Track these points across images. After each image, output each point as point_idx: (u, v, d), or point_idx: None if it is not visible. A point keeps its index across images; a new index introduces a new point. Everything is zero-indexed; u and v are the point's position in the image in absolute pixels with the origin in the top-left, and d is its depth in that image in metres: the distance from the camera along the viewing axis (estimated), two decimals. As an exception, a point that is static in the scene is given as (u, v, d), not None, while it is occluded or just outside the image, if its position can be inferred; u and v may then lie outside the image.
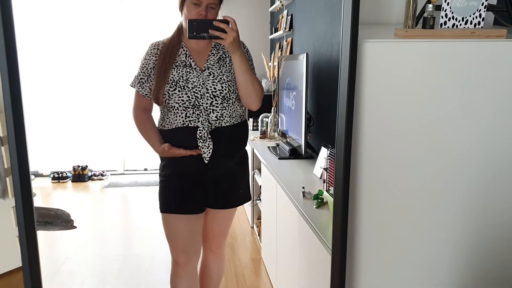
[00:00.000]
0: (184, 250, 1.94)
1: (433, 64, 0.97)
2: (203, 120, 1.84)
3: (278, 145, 3.37)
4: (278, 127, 3.81)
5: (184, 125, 1.85)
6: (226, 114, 1.88)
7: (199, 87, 1.83)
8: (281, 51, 4.34)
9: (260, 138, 3.81)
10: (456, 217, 1.16)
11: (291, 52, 3.96)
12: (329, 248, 1.55)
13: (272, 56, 4.08)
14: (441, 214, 1.15)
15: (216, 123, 1.86)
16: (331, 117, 2.84)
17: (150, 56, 1.90)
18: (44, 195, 4.98)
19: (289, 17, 3.96)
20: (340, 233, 1.00)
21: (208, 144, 1.86)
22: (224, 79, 1.86)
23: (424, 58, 0.97)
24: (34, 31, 5.40)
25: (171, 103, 1.85)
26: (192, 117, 1.84)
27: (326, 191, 1.76)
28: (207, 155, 1.87)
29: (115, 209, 4.57)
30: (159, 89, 1.84)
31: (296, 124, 2.91)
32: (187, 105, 1.83)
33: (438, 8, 1.04)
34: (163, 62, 1.85)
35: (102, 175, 5.66)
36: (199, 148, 1.86)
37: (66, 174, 5.53)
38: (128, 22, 5.58)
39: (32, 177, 5.38)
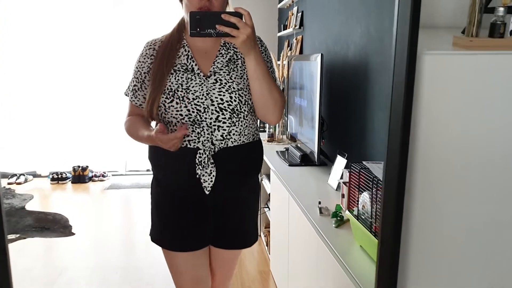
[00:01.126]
0: (192, 286, 1.68)
1: (506, 81, 0.78)
2: (205, 140, 1.49)
3: (287, 149, 3.19)
4: (287, 129, 3.63)
5: (182, 146, 1.50)
6: (235, 131, 1.52)
7: (202, 98, 1.47)
8: (290, 49, 4.15)
9: (268, 141, 3.63)
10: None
11: (301, 51, 3.77)
12: (351, 276, 1.38)
13: (282, 54, 3.89)
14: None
15: (221, 143, 1.51)
16: (345, 122, 2.66)
17: (144, 58, 1.56)
18: (42, 197, 4.81)
19: (300, 14, 3.76)
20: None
21: (210, 170, 1.51)
22: (233, 88, 1.49)
23: (494, 74, 0.77)
24: (36, 32, 5.31)
25: (168, 118, 1.51)
26: (191, 136, 1.49)
27: (349, 210, 1.58)
28: (208, 184, 1.52)
29: (116, 214, 4.39)
30: (154, 100, 1.48)
31: (307, 128, 2.73)
32: (186, 120, 1.48)
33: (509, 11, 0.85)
34: (159, 66, 1.50)
35: (103, 176, 5.49)
36: (198, 176, 1.51)
37: (66, 174, 5.37)
38: (128, 23, 5.46)
39: (30, 177, 5.33)
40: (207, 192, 1.53)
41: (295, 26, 3.81)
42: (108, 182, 5.41)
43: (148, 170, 5.69)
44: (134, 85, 1.59)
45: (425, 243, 0.84)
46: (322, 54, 2.39)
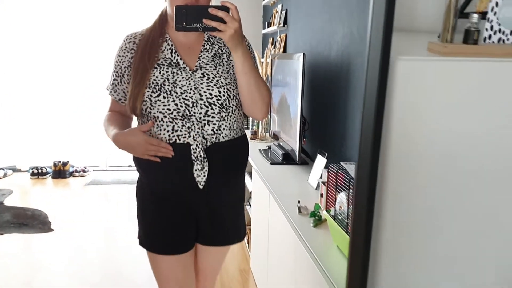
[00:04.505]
0: None
1: (481, 89, 0.77)
2: (196, 134, 1.48)
3: (269, 147, 3.20)
4: (269, 127, 3.62)
5: (171, 141, 1.48)
6: (225, 126, 1.52)
7: (190, 92, 1.46)
8: (274, 47, 4.14)
9: (251, 138, 3.63)
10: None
11: (284, 49, 3.77)
12: (327, 276, 1.39)
13: (265, 52, 3.88)
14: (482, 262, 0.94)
15: (213, 137, 1.50)
16: (326, 122, 2.67)
17: (124, 52, 1.54)
18: (22, 192, 4.73)
19: (284, 12, 3.76)
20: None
21: (203, 165, 1.50)
22: (221, 82, 1.49)
23: (469, 81, 0.77)
24: (17, 27, 5.23)
25: (154, 113, 1.47)
26: (181, 130, 1.47)
27: (326, 210, 1.59)
28: (202, 178, 1.51)
29: (96, 210, 4.31)
30: (137, 96, 1.46)
31: (289, 127, 2.73)
32: (174, 115, 1.46)
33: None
34: (141, 60, 1.48)
35: (84, 171, 5.43)
36: (194, 172, 1.50)
37: (46, 169, 5.29)
38: (113, 19, 5.40)
39: (10, 172, 5.23)
40: (200, 187, 1.51)
41: (279, 24, 3.81)
42: (89, 177, 5.34)
43: (130, 166, 5.64)
44: (114, 79, 1.58)
45: (396, 241, 0.85)
46: (304, 54, 2.39)
